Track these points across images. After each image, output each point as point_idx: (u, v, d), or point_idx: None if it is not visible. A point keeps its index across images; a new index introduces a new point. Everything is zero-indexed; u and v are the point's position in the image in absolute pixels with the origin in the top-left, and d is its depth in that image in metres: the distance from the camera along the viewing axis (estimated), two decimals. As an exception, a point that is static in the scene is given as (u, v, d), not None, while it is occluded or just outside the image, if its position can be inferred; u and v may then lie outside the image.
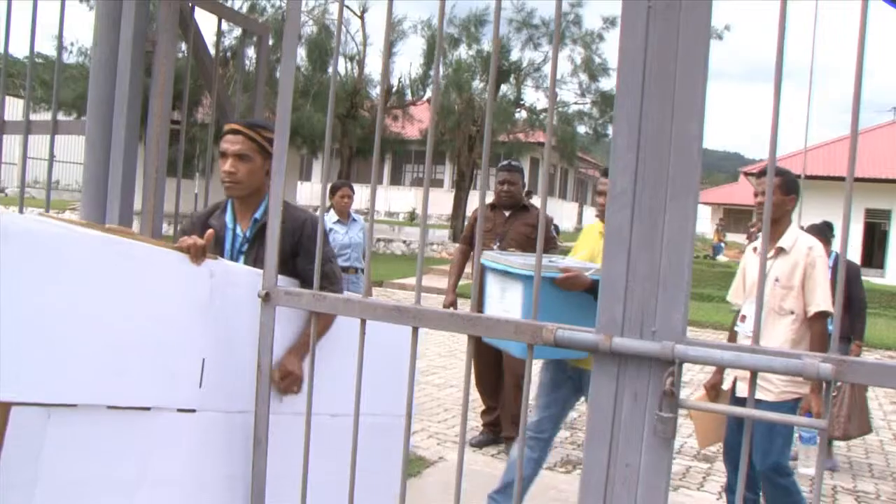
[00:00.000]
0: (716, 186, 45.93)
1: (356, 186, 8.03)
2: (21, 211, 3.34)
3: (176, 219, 3.48)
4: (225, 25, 3.52)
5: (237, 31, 16.74)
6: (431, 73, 23.10)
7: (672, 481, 5.51)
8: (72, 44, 20.00)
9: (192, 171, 18.61)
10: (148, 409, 2.28)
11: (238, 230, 2.93)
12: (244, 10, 20.68)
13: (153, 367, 2.29)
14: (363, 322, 2.26)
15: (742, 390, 3.93)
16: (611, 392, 1.85)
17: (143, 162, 3.00)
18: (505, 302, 3.63)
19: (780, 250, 3.86)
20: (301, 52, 22.50)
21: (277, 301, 2.40)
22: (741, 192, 37.64)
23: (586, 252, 4.24)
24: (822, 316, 3.73)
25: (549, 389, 4.02)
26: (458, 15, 22.86)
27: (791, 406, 3.76)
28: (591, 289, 3.41)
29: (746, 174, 25.83)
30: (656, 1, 1.76)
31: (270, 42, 4.27)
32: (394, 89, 24.14)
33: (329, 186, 7.04)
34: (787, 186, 3.92)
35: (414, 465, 5.00)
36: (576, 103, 23.11)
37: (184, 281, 2.38)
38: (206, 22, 3.39)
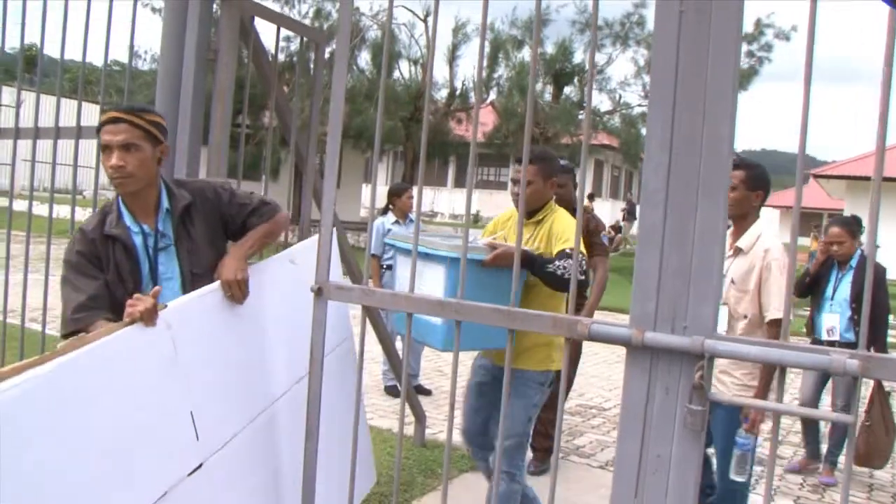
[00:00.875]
0: (784, 189, 44.92)
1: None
2: (73, 212, 3.53)
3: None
4: (288, 32, 3.66)
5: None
6: (495, 75, 23.21)
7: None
8: (146, 52, 20.67)
9: (257, 174, 19.00)
10: (164, 494, 2.25)
11: (146, 229, 2.70)
12: (310, 14, 21.06)
13: (152, 453, 2.24)
14: (409, 315, 2.37)
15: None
16: (643, 385, 1.91)
17: (206, 165, 3.15)
18: (422, 287, 3.34)
19: (738, 250, 3.69)
20: (366, 57, 22.79)
21: (329, 296, 2.52)
22: (810, 195, 36.77)
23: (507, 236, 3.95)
24: (777, 324, 3.51)
25: (477, 393, 3.81)
26: (520, 17, 22.87)
27: (737, 410, 3.61)
28: (523, 263, 3.12)
29: (816, 177, 25.22)
30: (688, 3, 1.83)
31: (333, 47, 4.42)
32: (457, 92, 24.26)
33: (389, 188, 7.18)
34: (753, 181, 3.69)
35: (464, 462, 5.07)
36: (639, 105, 22.88)
37: (146, 351, 2.29)
38: (267, 30, 3.54)
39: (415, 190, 6.55)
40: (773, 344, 1.78)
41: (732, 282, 3.65)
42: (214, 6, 3.10)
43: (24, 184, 16.17)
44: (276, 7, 19.45)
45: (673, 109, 1.85)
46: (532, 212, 3.65)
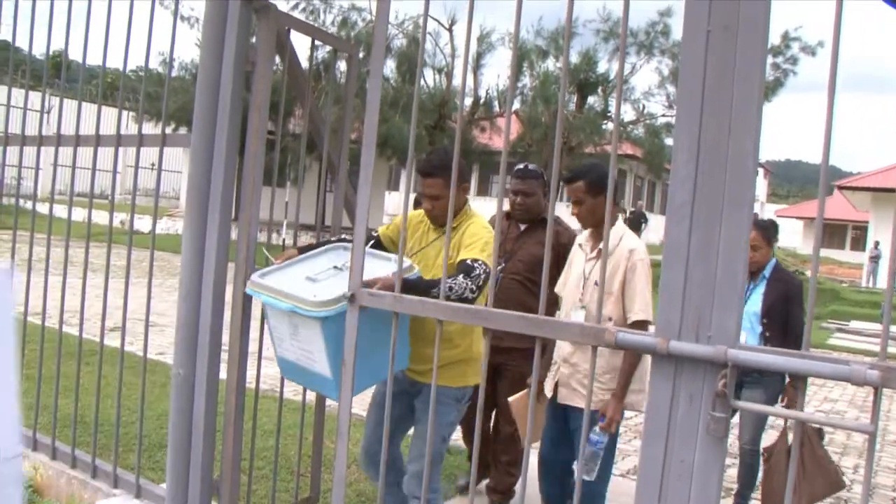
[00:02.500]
0: (809, 200, 44.54)
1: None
2: (132, 219, 3.63)
3: (270, 226, 3.72)
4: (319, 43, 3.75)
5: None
6: (519, 85, 23.26)
7: (733, 485, 5.50)
8: (175, 59, 20.97)
9: (283, 180, 19.19)
10: None
11: None
12: (336, 23, 21.26)
13: None
14: (440, 322, 2.44)
15: (563, 396, 3.76)
16: (667, 393, 1.97)
17: (242, 172, 3.24)
18: (300, 343, 3.06)
19: (602, 252, 3.58)
20: (391, 65, 22.94)
21: (361, 300, 2.60)
22: (835, 207, 36.50)
23: (411, 242, 3.65)
24: (641, 325, 3.44)
25: (381, 407, 3.44)
26: (545, 27, 22.93)
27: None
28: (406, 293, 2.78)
29: (841, 188, 25.07)
30: (715, 23, 1.89)
31: (361, 56, 4.51)
32: (481, 101, 24.35)
33: (416, 196, 7.26)
34: (594, 188, 3.60)
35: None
36: (663, 115, 22.85)
37: None
38: (301, 41, 3.62)
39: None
40: (795, 354, 1.83)
41: (596, 283, 3.57)
42: (251, 20, 3.20)
43: (59, 188, 16.46)
44: (301, 17, 19.67)
45: (700, 123, 1.91)
46: (443, 221, 3.41)
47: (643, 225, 26.49)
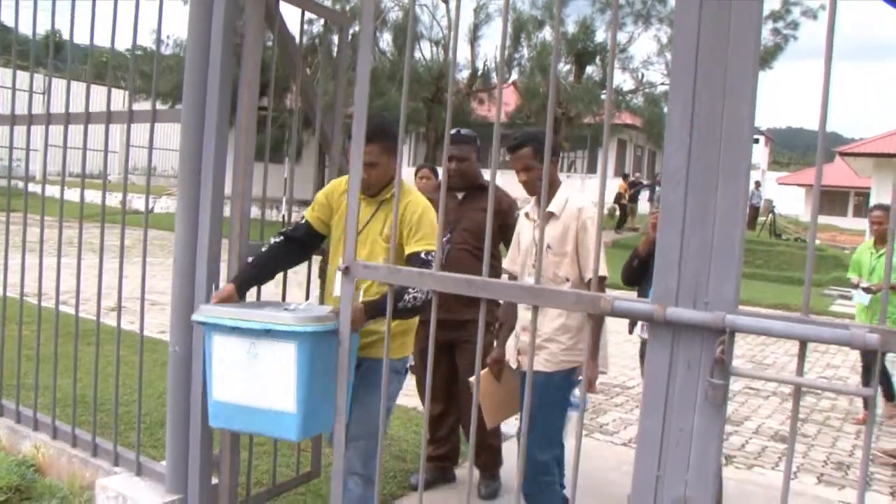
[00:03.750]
0: (810, 167, 44.46)
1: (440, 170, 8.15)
2: (124, 196, 3.61)
3: (264, 203, 3.69)
4: (311, 16, 3.70)
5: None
6: (516, 55, 23.13)
7: (747, 460, 5.53)
8: (168, 36, 20.85)
9: (280, 157, 19.13)
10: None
11: None
12: (332, -4, 21.10)
13: None
14: (436, 293, 2.42)
15: (525, 364, 3.59)
16: (665, 360, 1.94)
17: (234, 148, 3.20)
18: (255, 377, 2.79)
19: (551, 215, 3.54)
20: (387, 38, 22.80)
21: (357, 273, 2.57)
22: (837, 173, 36.38)
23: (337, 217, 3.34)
24: (600, 282, 3.26)
25: None
26: (541, -3, 22.76)
27: (566, 375, 3.53)
28: (371, 314, 2.88)
29: (842, 154, 24.92)
30: (709, -14, 1.85)
31: (354, 30, 4.46)
32: (479, 72, 24.21)
33: (415, 170, 7.21)
34: (542, 152, 3.32)
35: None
36: (662, 84, 22.72)
37: None
38: (291, 13, 3.57)
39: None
40: (795, 319, 1.81)
41: (548, 247, 3.53)
42: (240, -9, 3.15)
43: (51, 169, 16.40)
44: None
45: (694, 89, 1.88)
46: (377, 190, 3.22)
47: (639, 195, 26.40)
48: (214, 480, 3.42)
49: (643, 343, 3.83)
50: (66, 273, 4.07)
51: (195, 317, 2.89)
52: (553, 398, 3.53)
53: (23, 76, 4.61)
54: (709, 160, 1.86)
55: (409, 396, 5.63)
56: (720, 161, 1.85)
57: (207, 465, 3.36)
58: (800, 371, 1.88)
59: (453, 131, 4.41)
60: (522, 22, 22.57)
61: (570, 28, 22.32)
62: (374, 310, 2.84)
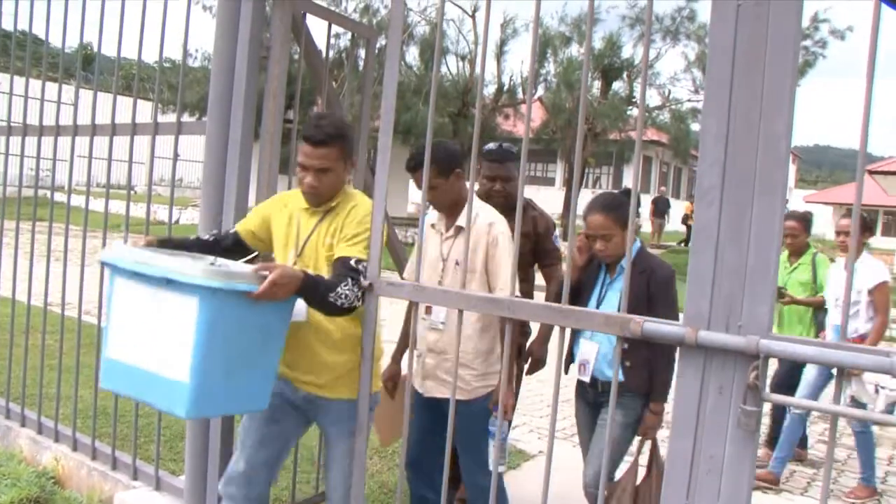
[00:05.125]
0: (837, 185, 43.97)
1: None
2: (148, 207, 3.60)
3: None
4: (338, 29, 3.68)
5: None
6: (543, 71, 23.09)
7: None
8: (196, 49, 21.01)
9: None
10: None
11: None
12: (358, 10, 21.20)
13: None
14: (460, 312, 2.37)
15: (430, 389, 3.45)
16: (696, 384, 1.89)
17: (258, 159, 3.18)
18: (155, 335, 2.39)
19: (459, 229, 3.35)
20: (414, 52, 22.85)
21: (381, 291, 2.54)
22: (867, 191, 35.86)
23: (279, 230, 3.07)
24: None
25: (267, 422, 2.91)
26: (569, 14, 22.78)
27: (483, 402, 3.36)
28: (303, 291, 2.53)
29: (871, 173, 24.62)
30: (746, 0, 1.80)
31: (381, 44, 4.44)
32: (505, 88, 24.19)
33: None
34: (444, 168, 3.36)
35: (514, 458, 5.07)
36: (689, 100, 22.62)
37: None
38: (318, 26, 3.56)
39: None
40: (830, 345, 1.74)
41: (456, 263, 3.33)
42: (266, 5, 3.14)
43: (78, 180, 16.53)
44: (324, 3, 19.63)
45: (729, 104, 1.83)
46: (324, 200, 2.86)
47: (668, 211, 26.22)
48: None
49: (579, 384, 3.55)
50: (90, 283, 4.07)
51: (101, 256, 2.54)
52: (476, 429, 3.37)
53: (51, 87, 4.63)
54: (744, 178, 1.81)
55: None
56: (756, 179, 1.79)
57: (226, 480, 3.32)
58: (837, 398, 1.82)
59: (493, 146, 4.02)
60: (549, 38, 22.55)
61: (597, 44, 22.25)
62: (308, 288, 2.51)
